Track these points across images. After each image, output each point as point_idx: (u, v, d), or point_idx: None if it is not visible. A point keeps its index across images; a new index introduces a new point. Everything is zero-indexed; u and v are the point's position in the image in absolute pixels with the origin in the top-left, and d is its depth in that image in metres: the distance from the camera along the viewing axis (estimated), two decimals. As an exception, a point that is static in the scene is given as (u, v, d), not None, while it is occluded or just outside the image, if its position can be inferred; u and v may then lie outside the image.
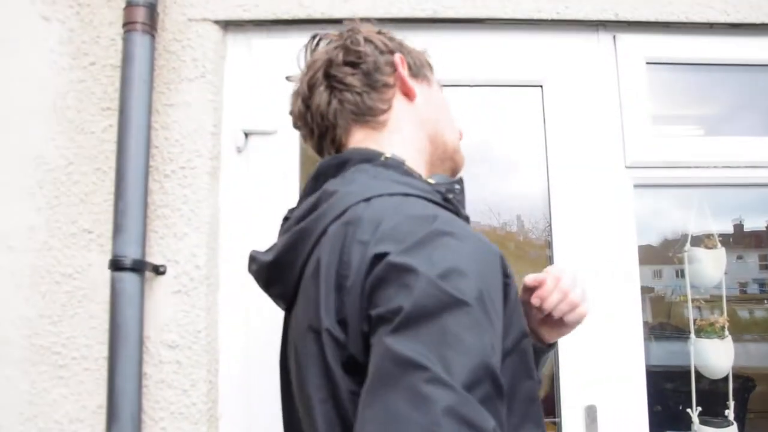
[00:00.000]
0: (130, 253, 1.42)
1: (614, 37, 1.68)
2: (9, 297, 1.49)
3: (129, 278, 1.42)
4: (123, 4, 1.52)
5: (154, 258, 1.49)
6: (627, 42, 1.67)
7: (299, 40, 1.64)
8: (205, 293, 1.49)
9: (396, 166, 0.88)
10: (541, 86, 1.66)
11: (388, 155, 0.89)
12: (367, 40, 0.97)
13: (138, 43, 1.49)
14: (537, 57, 1.67)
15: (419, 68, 1.01)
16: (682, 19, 1.64)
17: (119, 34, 1.53)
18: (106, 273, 1.44)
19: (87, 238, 1.51)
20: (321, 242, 0.79)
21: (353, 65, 0.95)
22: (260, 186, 1.58)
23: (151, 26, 1.51)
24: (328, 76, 0.96)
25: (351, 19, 1.04)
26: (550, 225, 1.63)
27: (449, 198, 0.86)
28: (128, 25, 1.49)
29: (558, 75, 1.66)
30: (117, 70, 1.53)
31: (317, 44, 1.05)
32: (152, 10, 1.51)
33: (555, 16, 1.62)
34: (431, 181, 0.89)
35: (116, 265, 1.41)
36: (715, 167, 1.65)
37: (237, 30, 1.64)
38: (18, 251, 1.51)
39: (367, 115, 0.94)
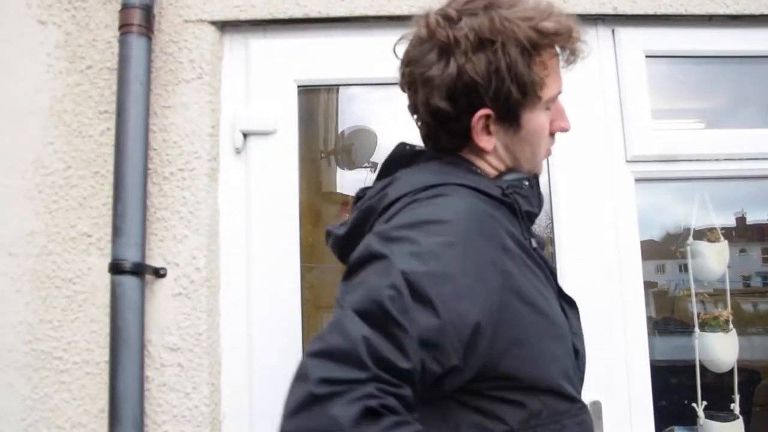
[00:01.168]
0: (130, 257, 1.42)
1: (613, 30, 1.67)
2: (9, 302, 1.49)
3: (129, 281, 1.41)
4: (119, 7, 1.51)
5: (154, 261, 1.48)
6: (626, 35, 1.66)
7: (296, 39, 1.65)
8: (205, 295, 1.48)
9: (460, 163, 0.95)
10: (540, 81, 1.65)
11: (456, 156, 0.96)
12: (461, 74, 0.88)
13: (134, 45, 1.48)
14: (536, 52, 1.66)
15: (513, 108, 0.92)
16: (681, 11, 1.63)
17: (115, 37, 1.53)
18: (106, 277, 1.44)
19: (86, 242, 1.50)
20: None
21: (434, 114, 0.94)
22: (259, 187, 1.58)
23: (148, 28, 1.50)
24: (415, 89, 0.96)
25: None
26: (551, 221, 1.62)
27: (508, 193, 0.91)
28: (124, 27, 1.49)
29: (557, 70, 1.65)
30: (114, 73, 1.52)
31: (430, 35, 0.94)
32: (148, 12, 1.51)
33: (553, 11, 1.61)
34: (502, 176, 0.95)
35: (116, 269, 1.41)
36: (716, 160, 1.64)
37: (234, 30, 1.64)
38: (18, 256, 1.50)
39: (441, 150, 0.98)
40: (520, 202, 0.92)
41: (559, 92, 0.98)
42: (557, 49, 0.94)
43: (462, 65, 0.88)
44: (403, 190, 0.89)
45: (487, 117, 0.91)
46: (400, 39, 1.00)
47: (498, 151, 0.96)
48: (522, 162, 0.98)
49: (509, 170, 0.97)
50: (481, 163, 0.97)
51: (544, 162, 1.60)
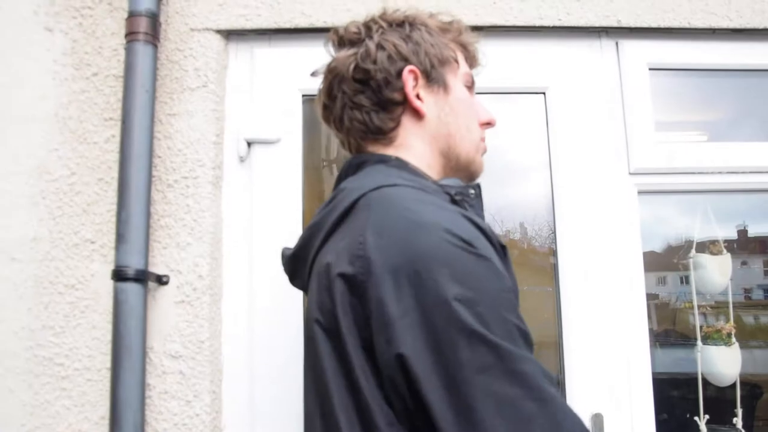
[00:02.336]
0: (133, 264, 1.42)
1: (617, 43, 1.68)
2: (12, 308, 1.49)
3: (132, 288, 1.41)
4: (125, 15, 1.52)
5: (156, 268, 1.49)
6: (629, 48, 1.67)
7: (301, 48, 1.66)
8: (208, 303, 1.48)
9: (404, 166, 0.93)
10: (544, 93, 1.66)
11: (394, 157, 0.95)
12: (380, 47, 0.96)
13: (140, 53, 1.49)
14: (539, 64, 1.66)
15: (438, 69, 0.99)
16: (685, 24, 1.64)
17: (122, 45, 1.54)
18: (109, 283, 1.44)
19: (90, 249, 1.50)
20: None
21: (362, 82, 0.97)
22: (263, 195, 1.58)
23: (154, 36, 1.51)
24: (341, 90, 0.99)
25: None
26: (554, 232, 1.62)
27: (457, 200, 0.88)
28: (131, 35, 1.49)
29: (561, 82, 1.66)
30: (119, 80, 1.53)
31: (340, 41, 1.03)
32: (155, 20, 1.52)
33: (557, 23, 1.62)
34: (441, 182, 0.92)
35: (119, 276, 1.41)
36: (719, 173, 1.65)
37: (239, 39, 1.64)
38: (21, 262, 1.50)
39: (377, 134, 0.98)
40: (467, 209, 0.90)
41: (473, 80, 1.06)
42: (459, 44, 1.05)
43: (378, 41, 0.97)
44: (355, 195, 0.85)
45: (416, 77, 0.96)
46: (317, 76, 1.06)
47: (431, 122, 0.98)
48: (457, 138, 0.99)
49: (448, 178, 0.97)
50: (419, 163, 0.96)
51: (548, 172, 1.63)
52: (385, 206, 0.80)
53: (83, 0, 1.59)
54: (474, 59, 1.09)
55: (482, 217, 0.94)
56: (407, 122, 0.98)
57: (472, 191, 0.92)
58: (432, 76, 0.98)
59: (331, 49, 1.04)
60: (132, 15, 1.50)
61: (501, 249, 0.82)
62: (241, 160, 1.60)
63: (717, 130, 1.88)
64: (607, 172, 1.62)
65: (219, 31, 1.60)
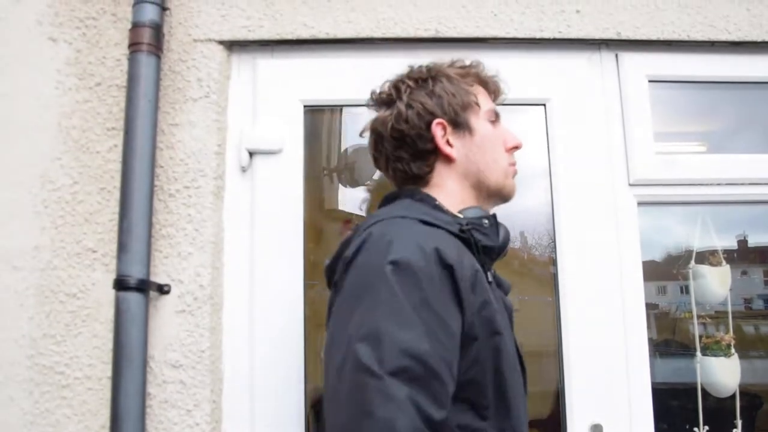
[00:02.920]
0: (135, 273, 1.42)
1: (616, 55, 1.69)
2: (13, 317, 1.49)
3: (133, 298, 1.42)
4: (129, 25, 1.53)
5: (158, 277, 1.49)
6: (629, 60, 1.68)
7: (303, 59, 1.67)
8: (209, 313, 1.49)
9: (428, 200, 1.09)
10: (544, 105, 1.67)
11: (424, 192, 1.11)
12: (409, 106, 1.12)
13: (143, 63, 1.50)
14: (540, 76, 1.67)
15: (462, 115, 1.13)
16: (684, 37, 1.65)
17: (125, 55, 1.55)
18: (111, 292, 1.45)
19: (91, 258, 1.51)
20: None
21: (399, 139, 1.13)
22: (264, 205, 1.59)
23: (157, 47, 1.52)
24: (383, 146, 1.16)
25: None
26: (554, 242, 1.62)
27: (465, 229, 1.03)
28: (134, 45, 1.51)
29: (561, 93, 1.67)
30: (122, 91, 1.54)
31: (377, 102, 1.21)
32: (158, 31, 1.53)
33: (557, 35, 1.64)
34: (459, 215, 1.08)
35: (120, 285, 1.41)
36: (718, 184, 1.65)
37: (241, 50, 1.66)
38: (23, 271, 1.51)
39: (416, 179, 1.14)
40: (477, 237, 1.04)
41: (497, 113, 1.19)
42: (480, 82, 1.20)
43: (407, 101, 1.13)
44: (373, 220, 1.03)
45: (443, 128, 1.12)
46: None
47: (461, 163, 1.12)
48: (486, 172, 1.13)
49: (471, 207, 1.11)
50: (444, 198, 1.10)
51: (548, 182, 1.64)
52: (376, 231, 0.97)
53: (87, 10, 1.60)
54: (497, 91, 1.23)
55: (495, 242, 1.10)
56: (440, 166, 1.13)
57: (486, 221, 1.08)
58: (457, 123, 1.13)
59: (373, 108, 1.22)
60: (135, 25, 1.52)
61: (474, 273, 0.96)
62: (243, 170, 1.60)
63: (716, 141, 1.89)
64: (607, 183, 1.63)
65: (222, 42, 1.61)
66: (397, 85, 1.17)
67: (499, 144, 1.17)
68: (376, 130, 1.18)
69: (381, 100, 1.19)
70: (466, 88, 1.15)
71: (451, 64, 1.19)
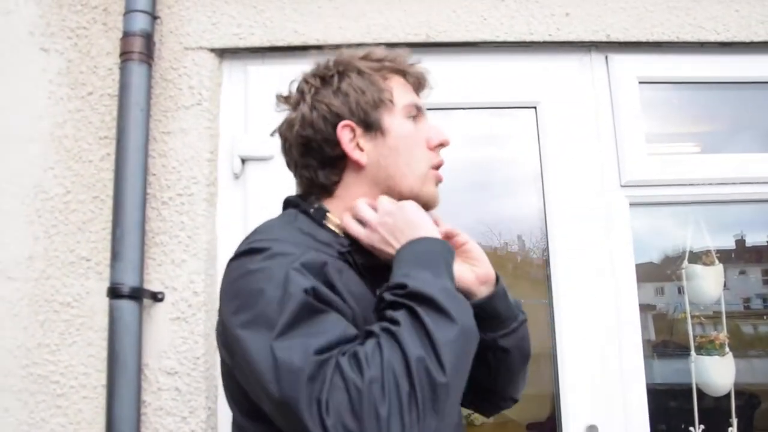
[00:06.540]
0: (128, 281, 1.43)
1: (606, 57, 1.70)
2: (7, 327, 1.49)
3: (127, 306, 1.42)
4: (120, 35, 1.54)
5: (152, 285, 1.49)
6: (619, 62, 1.69)
7: (295, 66, 1.65)
8: (203, 319, 1.49)
9: (316, 215, 0.99)
10: (535, 107, 1.68)
11: (316, 206, 1.00)
12: (313, 108, 1.00)
13: (135, 72, 1.51)
14: (530, 79, 1.68)
15: (372, 114, 1.00)
16: (673, 38, 1.66)
17: (116, 64, 1.55)
18: (105, 301, 1.45)
19: (85, 266, 1.51)
20: None
21: (305, 146, 1.01)
22: (257, 211, 1.58)
23: (148, 55, 1.53)
24: (291, 152, 1.04)
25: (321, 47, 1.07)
26: (546, 245, 1.63)
27: (344, 252, 0.95)
28: (125, 54, 1.51)
29: (552, 96, 1.67)
30: (114, 99, 1.55)
31: (286, 103, 1.08)
32: (149, 40, 1.54)
33: (547, 38, 1.64)
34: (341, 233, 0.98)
35: (114, 293, 1.42)
36: (710, 184, 1.66)
37: (233, 57, 1.66)
38: (16, 281, 1.51)
39: (321, 189, 1.02)
40: (357, 258, 0.95)
41: (418, 107, 1.04)
42: (397, 73, 1.05)
43: (311, 102, 1.00)
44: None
45: (352, 130, 0.98)
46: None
47: (371, 170, 0.99)
48: (396, 178, 1.00)
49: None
50: (344, 212, 0.99)
51: (538, 185, 1.65)
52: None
53: (78, 21, 1.61)
54: (420, 82, 1.08)
55: (368, 272, 0.96)
56: (349, 174, 1.01)
57: (344, 249, 0.96)
58: (368, 123, 1.00)
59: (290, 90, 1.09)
60: (126, 35, 1.52)
61: (321, 273, 0.86)
62: (236, 177, 1.61)
63: (707, 141, 1.90)
64: (598, 184, 1.64)
65: (213, 50, 1.62)
66: (300, 85, 1.04)
67: (418, 143, 1.03)
68: (282, 135, 1.06)
69: (289, 102, 1.06)
70: (379, 82, 1.01)
71: (365, 56, 1.04)
